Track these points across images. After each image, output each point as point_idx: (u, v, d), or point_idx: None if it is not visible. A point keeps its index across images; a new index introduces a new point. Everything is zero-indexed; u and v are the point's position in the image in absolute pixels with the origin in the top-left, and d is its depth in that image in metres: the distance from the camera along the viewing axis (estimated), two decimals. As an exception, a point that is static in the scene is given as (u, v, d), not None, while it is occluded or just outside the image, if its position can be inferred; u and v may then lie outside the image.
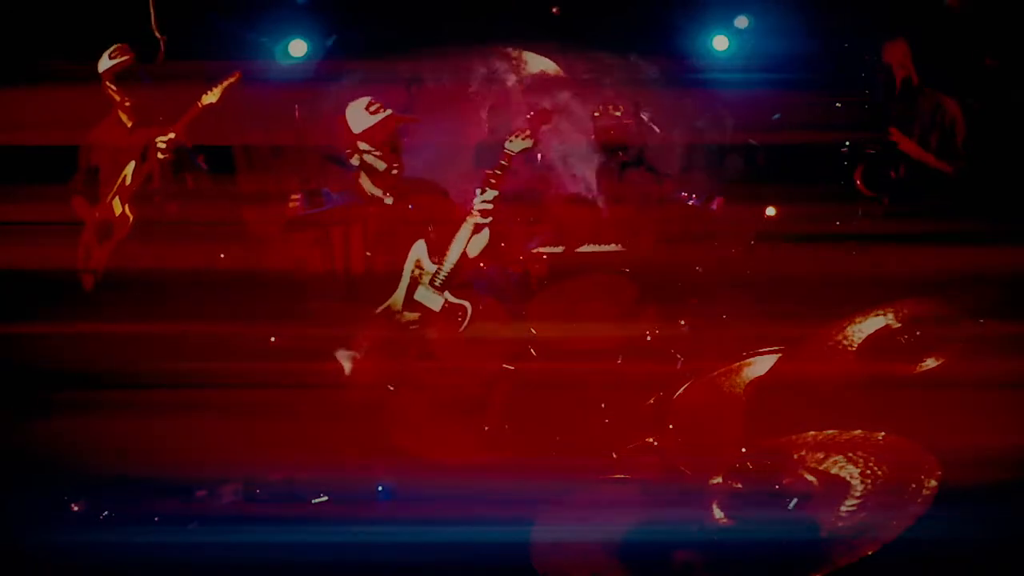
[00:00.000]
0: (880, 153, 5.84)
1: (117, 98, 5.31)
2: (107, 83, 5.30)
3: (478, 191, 4.63)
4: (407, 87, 7.71)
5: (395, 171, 4.65)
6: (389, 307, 4.59)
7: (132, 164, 5.25)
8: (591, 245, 6.44)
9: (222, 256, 5.36)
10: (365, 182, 4.71)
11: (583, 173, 7.29)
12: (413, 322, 4.60)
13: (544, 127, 4.90)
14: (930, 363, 3.73)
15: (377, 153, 4.63)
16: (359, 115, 4.67)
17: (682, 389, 4.28)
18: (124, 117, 5.36)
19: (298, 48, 7.40)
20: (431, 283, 4.59)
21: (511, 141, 4.72)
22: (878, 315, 3.89)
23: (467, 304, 4.63)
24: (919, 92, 5.80)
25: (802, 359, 3.97)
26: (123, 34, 5.51)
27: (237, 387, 4.55)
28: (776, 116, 7.15)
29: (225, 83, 5.20)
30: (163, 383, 4.74)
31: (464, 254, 4.63)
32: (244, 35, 7.13)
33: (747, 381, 4.14)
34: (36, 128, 5.50)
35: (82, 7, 6.04)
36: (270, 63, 7.29)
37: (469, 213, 4.62)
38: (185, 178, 5.34)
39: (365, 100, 4.73)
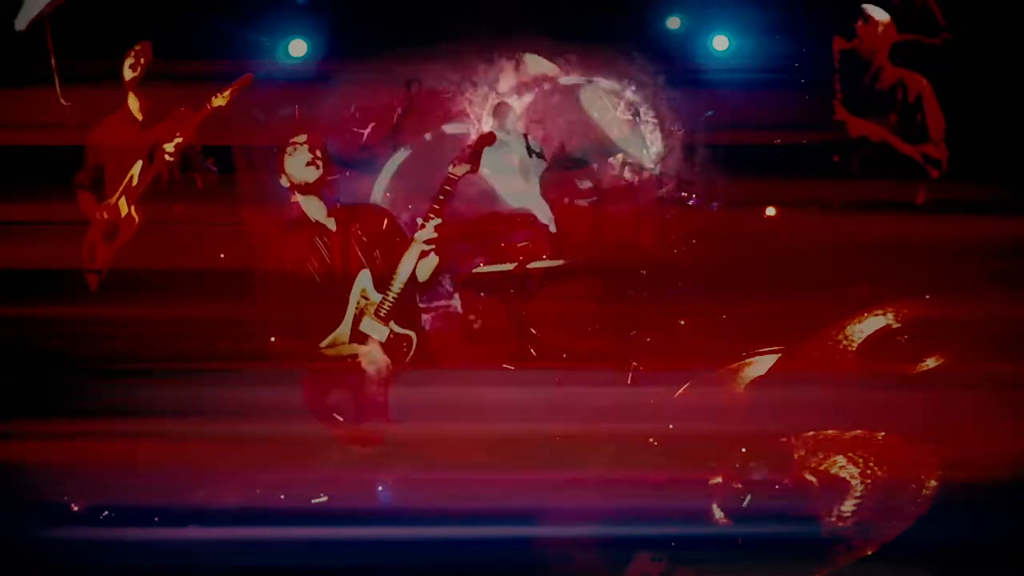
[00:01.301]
0: (830, 141, 5.70)
1: (137, 104, 5.33)
2: (131, 92, 5.31)
3: (419, 220, 4.56)
4: (407, 87, 7.72)
5: (316, 172, 4.59)
6: (335, 340, 4.54)
7: (139, 164, 5.24)
8: (541, 261, 6.44)
9: (222, 256, 5.35)
10: (303, 202, 4.65)
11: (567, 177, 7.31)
12: (358, 354, 4.54)
13: (487, 148, 4.81)
14: (930, 363, 3.73)
15: (313, 199, 4.60)
16: (297, 167, 4.60)
17: (682, 389, 4.28)
18: (137, 115, 5.35)
19: (298, 48, 7.40)
20: (376, 313, 4.52)
21: (455, 165, 4.60)
22: (878, 315, 3.89)
23: (412, 335, 4.56)
24: (879, 69, 5.62)
25: (802, 359, 3.97)
26: (124, 33, 5.51)
27: (235, 386, 4.54)
28: (710, 112, 7.10)
29: (235, 86, 5.17)
30: (164, 381, 4.74)
31: (413, 277, 4.56)
32: (244, 35, 7.13)
33: (747, 381, 4.14)
34: (37, 128, 5.50)
35: (84, 7, 6.04)
36: (270, 63, 7.29)
37: (413, 240, 4.55)
38: (193, 179, 5.34)
39: (306, 156, 4.60)
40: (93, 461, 4.45)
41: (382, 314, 4.50)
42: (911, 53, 5.61)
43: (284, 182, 4.61)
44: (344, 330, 4.53)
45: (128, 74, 5.33)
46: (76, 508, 4.46)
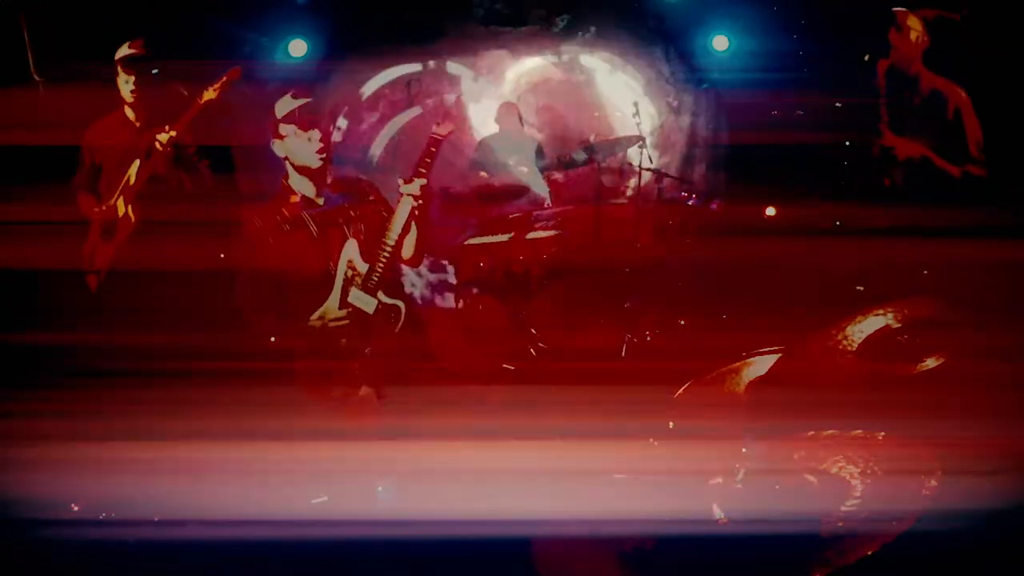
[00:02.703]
0: (877, 156, 5.66)
1: (127, 91, 5.35)
2: (120, 70, 5.33)
3: (400, 181, 4.56)
4: (407, 86, 7.73)
5: (321, 159, 4.57)
6: (324, 313, 4.54)
7: (136, 163, 5.28)
8: (535, 232, 6.45)
9: (222, 256, 5.35)
10: (294, 180, 4.59)
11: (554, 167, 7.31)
12: (345, 323, 4.52)
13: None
14: (930, 363, 3.73)
15: (304, 136, 4.51)
16: (284, 102, 4.57)
17: (682, 389, 4.28)
18: (131, 114, 5.38)
19: (298, 48, 7.41)
20: (365, 284, 4.53)
21: (438, 124, 4.68)
22: (878, 315, 3.89)
23: (400, 304, 4.56)
24: (916, 79, 5.56)
25: (802, 359, 3.97)
26: (124, 34, 5.52)
27: (234, 385, 4.53)
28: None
29: (224, 79, 5.24)
30: (162, 380, 4.74)
31: (397, 255, 4.57)
32: (244, 35, 7.14)
33: (747, 381, 4.14)
34: (37, 128, 5.50)
35: (84, 7, 6.05)
36: (270, 63, 7.30)
37: (398, 202, 4.56)
38: (186, 177, 5.37)
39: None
40: (93, 461, 4.45)
41: (370, 285, 4.52)
42: (945, 58, 5.51)
43: (280, 150, 4.58)
44: (333, 302, 4.55)
45: (122, 77, 5.36)
46: (76, 508, 4.45)
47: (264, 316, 4.55)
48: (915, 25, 5.46)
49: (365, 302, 4.54)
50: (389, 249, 4.54)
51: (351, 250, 4.56)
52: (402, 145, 7.40)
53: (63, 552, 4.07)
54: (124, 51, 5.35)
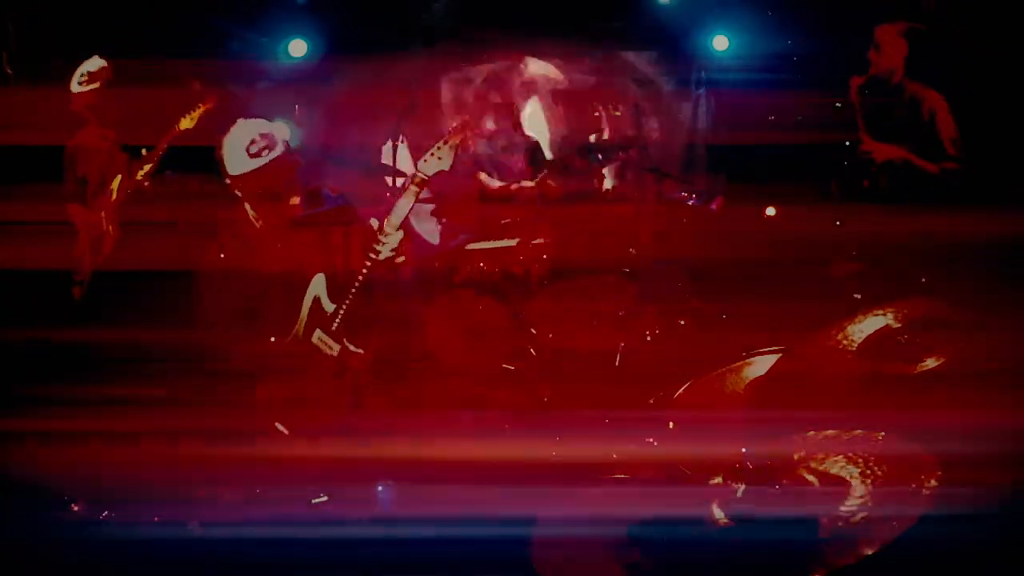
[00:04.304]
0: (856, 160, 5.70)
1: (94, 116, 5.38)
2: (79, 106, 5.36)
3: (374, 223, 4.13)
4: (407, 87, 7.72)
5: (281, 211, 4.20)
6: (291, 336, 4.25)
7: (119, 179, 5.31)
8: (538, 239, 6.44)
9: (221, 256, 5.35)
10: (250, 211, 4.28)
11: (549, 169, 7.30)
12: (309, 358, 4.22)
13: (462, 142, 4.22)
14: (930, 363, 3.72)
15: (253, 199, 4.17)
16: (237, 155, 4.12)
17: (682, 389, 4.28)
18: (104, 130, 5.41)
19: (298, 48, 7.41)
20: (328, 327, 4.15)
21: (424, 162, 4.08)
22: (878, 315, 3.88)
23: (362, 352, 4.21)
24: (898, 86, 5.56)
25: (802, 359, 3.96)
26: (119, 34, 5.53)
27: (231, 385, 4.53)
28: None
29: (202, 108, 5.23)
30: (161, 380, 4.74)
31: (370, 287, 4.17)
32: (244, 35, 7.14)
33: (747, 381, 4.14)
34: (36, 128, 5.52)
35: (81, 7, 6.06)
36: (270, 63, 7.30)
37: (374, 252, 4.10)
38: (173, 184, 5.41)
39: (248, 135, 4.11)
40: (92, 461, 4.45)
41: (334, 330, 4.19)
42: (924, 63, 5.59)
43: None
44: (298, 330, 4.26)
45: (76, 88, 5.36)
46: (76, 508, 4.45)
47: (224, 323, 4.34)
48: (891, 39, 5.53)
49: (328, 346, 4.21)
50: (355, 288, 4.15)
51: (319, 286, 4.22)
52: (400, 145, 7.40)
53: (63, 552, 4.07)
54: (76, 88, 5.36)
